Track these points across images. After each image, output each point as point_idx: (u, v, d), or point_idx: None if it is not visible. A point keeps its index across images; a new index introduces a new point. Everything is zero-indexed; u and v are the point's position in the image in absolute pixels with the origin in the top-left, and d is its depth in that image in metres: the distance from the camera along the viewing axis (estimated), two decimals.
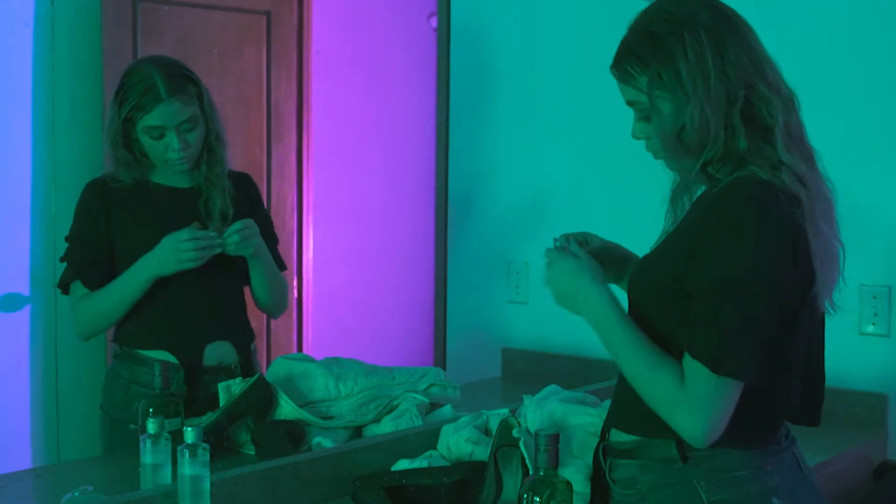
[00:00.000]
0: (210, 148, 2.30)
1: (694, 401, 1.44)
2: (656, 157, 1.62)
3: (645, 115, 1.58)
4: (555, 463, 1.58)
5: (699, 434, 1.44)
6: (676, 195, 1.63)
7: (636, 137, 1.61)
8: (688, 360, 1.46)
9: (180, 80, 2.23)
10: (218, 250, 2.22)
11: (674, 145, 1.55)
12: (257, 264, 2.33)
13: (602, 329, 1.56)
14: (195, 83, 2.26)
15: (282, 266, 2.48)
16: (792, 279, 1.47)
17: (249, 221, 2.27)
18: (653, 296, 1.56)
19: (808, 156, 1.56)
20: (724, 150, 1.52)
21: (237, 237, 2.23)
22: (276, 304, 2.49)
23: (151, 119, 2.20)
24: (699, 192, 1.59)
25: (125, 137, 2.24)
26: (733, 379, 1.43)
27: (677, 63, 1.51)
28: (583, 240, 1.72)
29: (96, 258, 2.27)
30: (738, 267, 1.43)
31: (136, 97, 2.19)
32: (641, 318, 1.56)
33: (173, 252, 2.18)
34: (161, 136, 2.22)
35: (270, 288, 2.40)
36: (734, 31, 1.53)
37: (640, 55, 1.54)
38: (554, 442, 1.57)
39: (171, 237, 2.19)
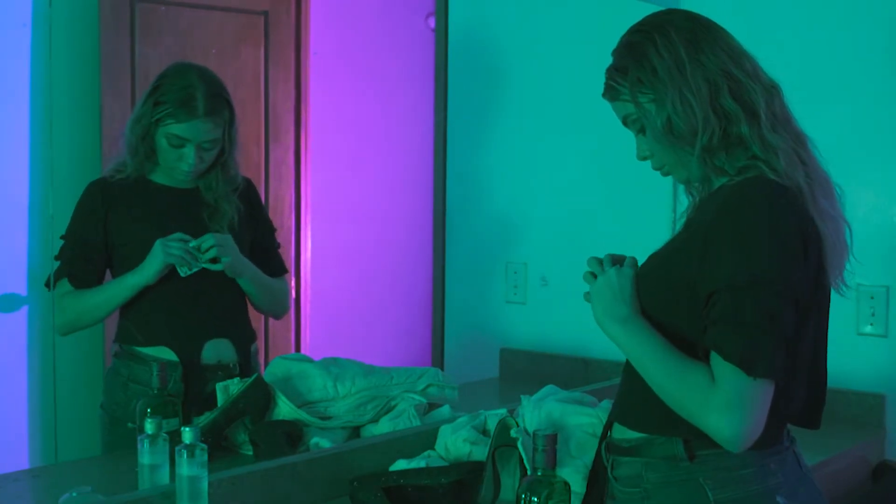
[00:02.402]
0: (225, 167, 2.33)
1: (728, 404, 1.42)
2: (664, 173, 1.64)
3: (639, 126, 1.60)
4: (552, 463, 1.58)
5: (737, 437, 1.43)
6: (689, 193, 1.66)
7: (642, 158, 1.64)
8: (717, 362, 1.45)
9: (220, 101, 2.26)
10: (196, 268, 2.22)
11: (668, 139, 1.56)
12: (241, 280, 2.34)
13: (626, 344, 1.56)
14: (231, 109, 2.30)
15: (282, 270, 2.49)
16: (804, 276, 1.48)
17: (225, 237, 2.27)
18: (660, 293, 1.56)
19: (798, 138, 1.57)
20: (722, 136, 1.53)
21: (213, 252, 2.23)
22: (272, 311, 2.53)
23: (179, 129, 2.22)
24: (711, 190, 1.60)
25: (145, 133, 2.26)
26: (766, 379, 1.43)
27: (652, 62, 1.54)
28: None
29: (88, 258, 2.28)
30: (754, 266, 1.44)
31: (173, 105, 2.21)
32: (647, 314, 1.56)
33: (161, 246, 2.19)
34: (180, 146, 2.24)
35: (262, 297, 2.42)
36: (707, 29, 1.57)
37: (619, 67, 1.59)
38: (552, 442, 1.57)
39: (161, 239, 2.21)
